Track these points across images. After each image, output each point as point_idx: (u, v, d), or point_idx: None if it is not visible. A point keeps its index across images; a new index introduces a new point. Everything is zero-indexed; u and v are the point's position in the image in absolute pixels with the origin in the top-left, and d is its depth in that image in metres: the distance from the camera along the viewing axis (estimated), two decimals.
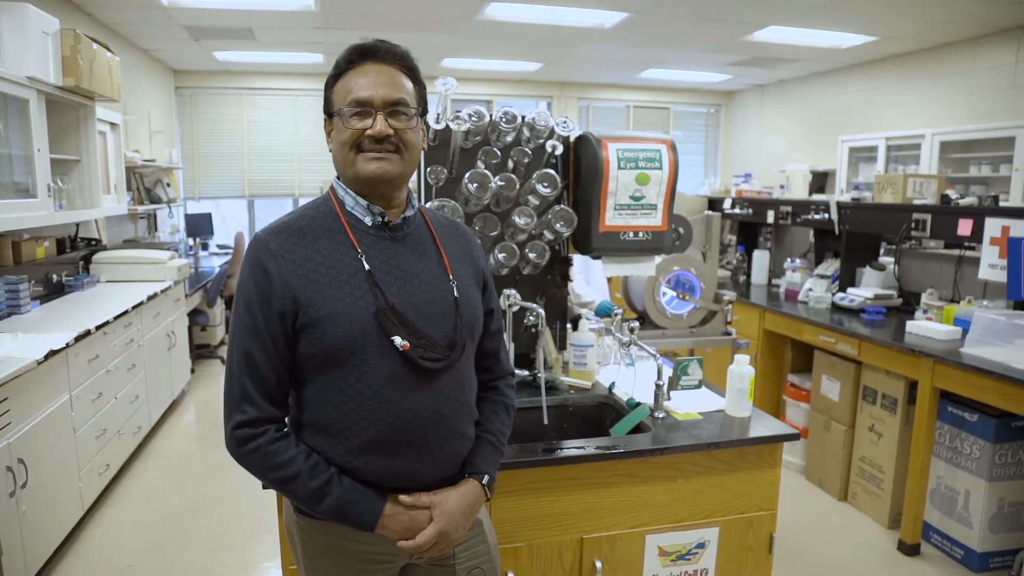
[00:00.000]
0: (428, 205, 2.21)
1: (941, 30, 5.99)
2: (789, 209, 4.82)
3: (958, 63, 6.37)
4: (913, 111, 6.80)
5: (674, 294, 3.27)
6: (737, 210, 5.26)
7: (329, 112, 1.35)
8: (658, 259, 2.74)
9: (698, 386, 2.15)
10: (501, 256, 2.28)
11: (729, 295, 3.29)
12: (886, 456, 3.44)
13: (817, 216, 4.50)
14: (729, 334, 3.36)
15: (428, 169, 2.29)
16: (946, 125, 6.23)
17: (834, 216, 4.37)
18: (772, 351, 4.39)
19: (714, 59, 7.44)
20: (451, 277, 1.39)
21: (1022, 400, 2.70)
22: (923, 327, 3.37)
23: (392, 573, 1.43)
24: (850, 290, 4.10)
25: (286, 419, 1.34)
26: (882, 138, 6.73)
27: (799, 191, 5.15)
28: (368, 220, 1.36)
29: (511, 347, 2.33)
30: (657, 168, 2.27)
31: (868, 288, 4.09)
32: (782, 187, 5.29)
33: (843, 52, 6.85)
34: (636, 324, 2.27)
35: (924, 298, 3.83)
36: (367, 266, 1.30)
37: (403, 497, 1.32)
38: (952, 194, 3.83)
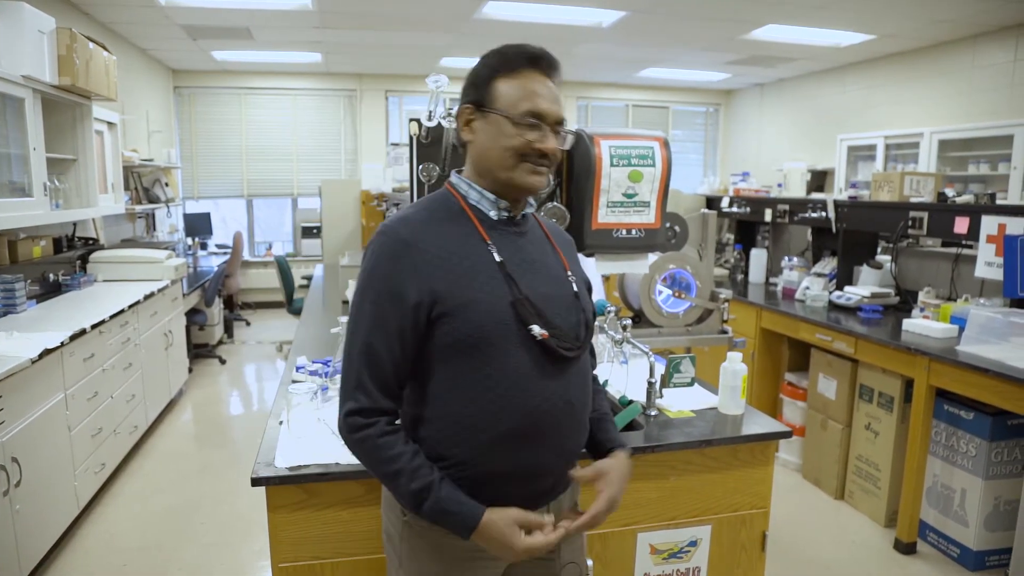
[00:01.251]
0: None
1: (939, 28, 5.98)
2: (787, 208, 4.82)
3: (957, 61, 6.35)
4: (911, 109, 6.78)
5: (670, 292, 3.26)
6: (735, 208, 5.26)
7: (480, 103, 1.33)
8: (652, 257, 2.73)
9: (691, 384, 2.14)
10: None
11: (725, 293, 3.28)
12: (883, 454, 3.43)
13: (814, 215, 4.50)
14: (725, 332, 3.34)
15: (420, 167, 2.29)
16: (944, 124, 6.22)
17: (831, 215, 4.37)
18: (769, 349, 4.39)
19: (713, 58, 7.43)
20: (569, 273, 1.43)
21: (1018, 398, 2.69)
22: (920, 325, 3.37)
23: (498, 569, 1.41)
24: (847, 288, 4.09)
25: (398, 412, 1.33)
26: (880, 137, 6.72)
27: (796, 190, 5.15)
28: (493, 214, 1.36)
29: None
30: (650, 165, 2.26)
31: (865, 286, 4.08)
32: (779, 186, 5.28)
33: (841, 51, 6.84)
34: (629, 321, 2.27)
35: (921, 296, 3.82)
36: (498, 257, 1.31)
37: (532, 517, 1.27)
38: (949, 192, 3.83)
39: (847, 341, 3.54)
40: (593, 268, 3.54)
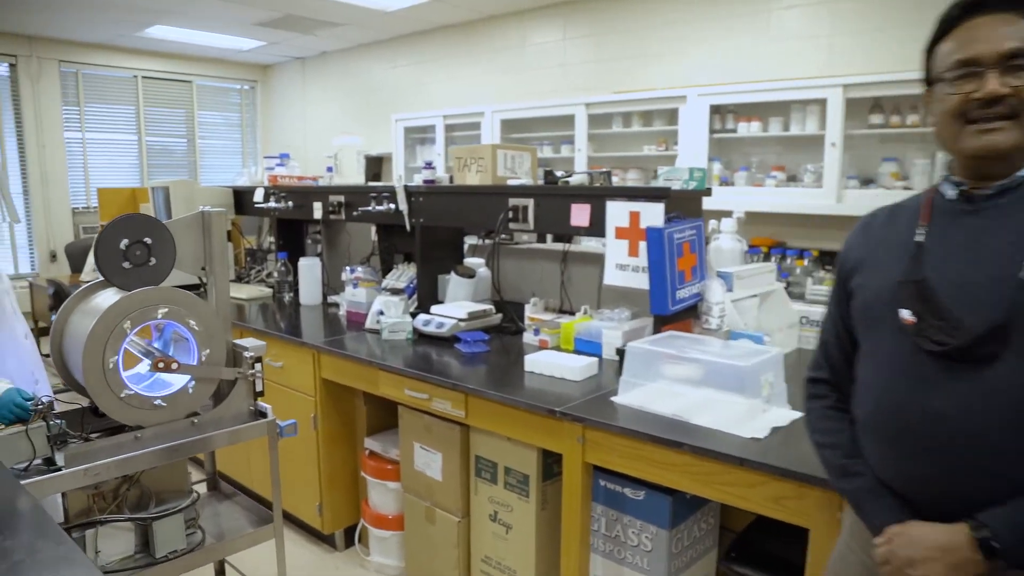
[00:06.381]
0: None
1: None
2: (342, 199, 3.51)
3: (509, 38, 5.95)
4: (469, 87, 6.21)
5: (149, 363, 1.77)
6: (272, 203, 3.77)
7: (929, 80, 1.18)
8: None
9: None
10: None
11: (254, 348, 1.90)
12: (520, 555, 2.32)
13: (380, 208, 3.26)
14: (264, 414, 2.01)
15: None
16: (505, 102, 5.65)
17: (403, 206, 3.18)
18: (338, 408, 3.00)
19: (239, 15, 5.91)
20: None
21: (707, 473, 1.75)
22: (548, 363, 2.31)
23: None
24: (435, 310, 2.92)
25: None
26: (440, 116, 5.94)
27: (353, 175, 3.88)
28: (950, 192, 1.19)
29: None
30: None
31: (457, 304, 2.98)
32: (329, 170, 3.97)
33: (390, 16, 5.89)
34: None
35: (529, 311, 2.87)
36: (920, 237, 1.18)
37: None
38: (558, 172, 2.91)
39: (454, 399, 2.32)
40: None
